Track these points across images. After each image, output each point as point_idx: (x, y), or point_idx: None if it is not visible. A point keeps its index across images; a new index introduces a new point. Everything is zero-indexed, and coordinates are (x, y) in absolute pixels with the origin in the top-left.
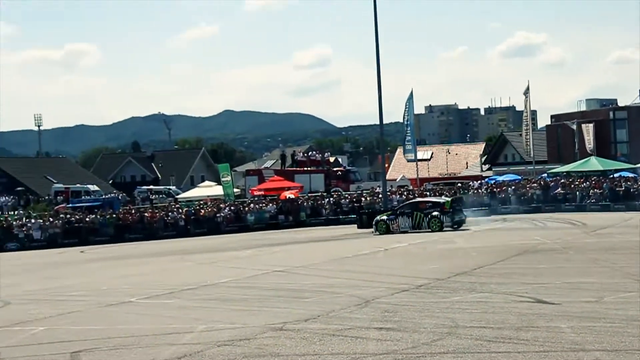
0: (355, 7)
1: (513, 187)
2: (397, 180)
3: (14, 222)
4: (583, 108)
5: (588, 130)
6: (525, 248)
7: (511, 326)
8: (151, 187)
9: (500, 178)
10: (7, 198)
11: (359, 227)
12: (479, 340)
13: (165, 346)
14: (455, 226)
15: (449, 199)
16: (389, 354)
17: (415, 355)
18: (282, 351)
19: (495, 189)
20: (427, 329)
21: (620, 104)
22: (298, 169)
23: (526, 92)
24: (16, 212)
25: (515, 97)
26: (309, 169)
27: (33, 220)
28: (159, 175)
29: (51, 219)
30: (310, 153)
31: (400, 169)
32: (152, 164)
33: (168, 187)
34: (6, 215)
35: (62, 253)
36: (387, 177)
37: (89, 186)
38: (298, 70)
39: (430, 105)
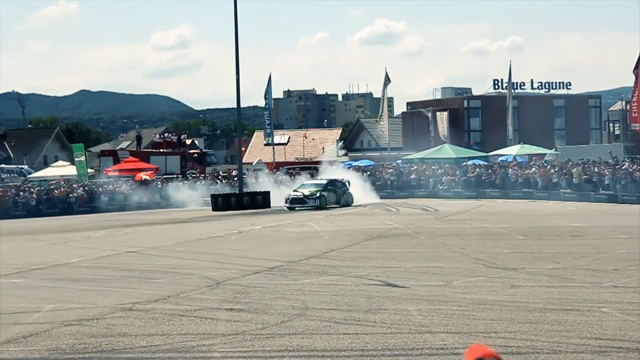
0: None
1: (368, 173)
2: (254, 164)
3: None
4: (439, 96)
5: (443, 118)
6: (377, 233)
7: (360, 308)
8: (2, 165)
9: (356, 163)
10: None
11: (214, 210)
12: (328, 322)
13: (11, 325)
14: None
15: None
16: (238, 334)
17: (264, 336)
18: (130, 331)
19: None
20: (277, 311)
21: (475, 93)
22: (154, 150)
23: (386, 81)
24: None
25: (373, 85)
26: (164, 150)
27: None
28: (11, 154)
29: None
30: (166, 135)
31: (257, 152)
32: (5, 143)
33: (20, 166)
34: None
35: None
36: (244, 160)
37: None
38: (157, 51)
39: (288, 90)
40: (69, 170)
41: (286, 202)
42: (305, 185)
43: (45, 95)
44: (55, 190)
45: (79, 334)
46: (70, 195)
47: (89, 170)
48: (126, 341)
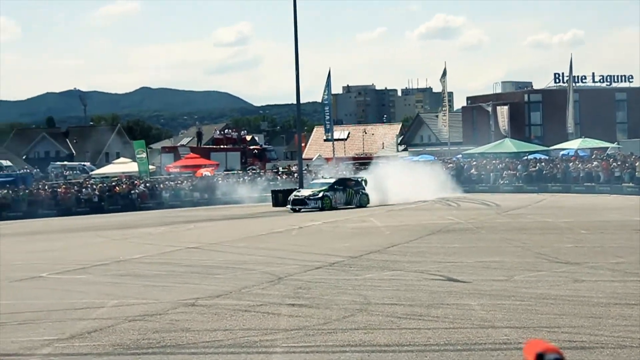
0: None
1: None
2: (314, 160)
3: None
4: (499, 90)
5: (503, 112)
6: (438, 227)
7: (422, 303)
8: (65, 163)
9: (416, 158)
10: None
11: (274, 205)
12: (390, 317)
13: (76, 321)
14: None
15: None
16: (300, 329)
17: (327, 331)
18: (193, 326)
19: None
20: (339, 306)
21: (536, 87)
22: (214, 146)
23: (444, 74)
24: None
25: (433, 79)
26: (225, 147)
27: None
28: (74, 152)
29: None
30: (226, 131)
31: (316, 148)
32: (67, 140)
33: (82, 163)
34: None
35: None
36: (304, 156)
37: (1, 161)
38: (217, 48)
39: (347, 85)
40: (131, 167)
41: (288, 203)
42: (313, 184)
43: (106, 93)
44: (117, 187)
45: (143, 329)
46: (132, 191)
47: (150, 166)
48: (189, 336)
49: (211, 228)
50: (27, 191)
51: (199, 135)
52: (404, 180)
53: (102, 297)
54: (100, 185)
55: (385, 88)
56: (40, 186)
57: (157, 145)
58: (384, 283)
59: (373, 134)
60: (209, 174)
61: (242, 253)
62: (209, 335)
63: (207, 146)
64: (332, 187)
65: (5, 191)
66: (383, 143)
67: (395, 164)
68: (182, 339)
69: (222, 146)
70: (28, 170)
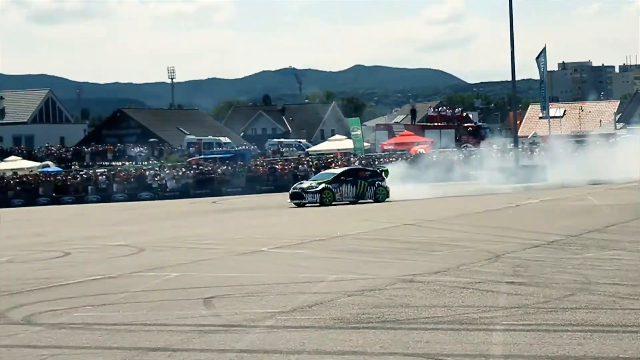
0: None
1: None
2: (529, 137)
3: (148, 173)
4: None
5: None
6: None
7: None
8: (282, 139)
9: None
10: (141, 149)
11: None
12: (613, 297)
13: (297, 294)
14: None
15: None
16: (520, 307)
17: (547, 310)
18: (412, 302)
19: None
20: (559, 284)
21: None
22: (428, 124)
23: None
24: (149, 163)
25: None
26: (439, 124)
27: (167, 171)
28: (290, 129)
29: (184, 170)
30: (440, 108)
31: (531, 126)
32: (283, 117)
33: (298, 140)
34: (139, 166)
35: (194, 203)
36: (519, 134)
37: (220, 138)
38: (430, 25)
39: (563, 62)
40: (346, 144)
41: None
42: (323, 174)
43: (320, 71)
44: (333, 164)
45: (362, 304)
46: None
47: (365, 143)
48: (408, 312)
49: (428, 205)
50: (245, 167)
51: (413, 112)
52: (627, 158)
53: (321, 271)
54: (316, 162)
55: (602, 64)
56: (258, 162)
57: (371, 123)
58: (604, 262)
59: (590, 112)
60: (423, 152)
61: (458, 230)
62: (427, 311)
63: (421, 123)
64: (336, 179)
65: (225, 167)
66: (600, 120)
67: (616, 142)
68: (401, 314)
69: (435, 123)
70: (246, 147)
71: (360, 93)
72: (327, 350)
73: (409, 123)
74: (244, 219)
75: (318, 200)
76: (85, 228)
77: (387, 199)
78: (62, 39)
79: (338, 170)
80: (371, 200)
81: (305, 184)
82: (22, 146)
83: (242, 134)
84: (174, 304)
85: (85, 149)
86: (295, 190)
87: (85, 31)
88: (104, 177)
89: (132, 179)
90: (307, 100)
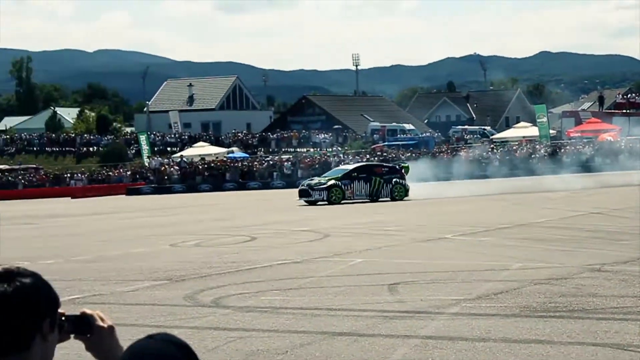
0: None
1: None
2: None
3: (332, 159)
4: None
5: None
6: None
7: None
8: (466, 127)
9: None
10: (325, 135)
11: None
12: None
13: (481, 282)
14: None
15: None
16: None
17: None
18: (600, 292)
19: None
20: None
21: None
22: (616, 111)
23: None
24: (333, 149)
25: None
26: (628, 111)
27: (350, 157)
28: (474, 116)
29: (367, 157)
30: (629, 95)
31: None
32: (467, 104)
33: (483, 127)
34: (323, 152)
35: None
36: None
37: (404, 125)
38: (619, 10)
39: None
40: (531, 131)
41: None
42: (336, 170)
43: (505, 57)
44: (517, 151)
45: (549, 292)
46: (532, 156)
47: (551, 131)
48: (596, 301)
49: (614, 193)
50: (429, 154)
51: (601, 99)
52: None
53: (506, 259)
54: (501, 149)
55: None
56: (442, 149)
57: (557, 110)
58: None
59: None
60: (612, 139)
61: None
62: (616, 301)
63: (609, 110)
64: (347, 175)
65: (409, 154)
66: None
67: None
68: (589, 303)
69: (624, 110)
70: (430, 134)
71: (546, 80)
72: (513, 338)
73: (597, 110)
74: (425, 206)
75: (325, 198)
76: (271, 213)
77: (405, 198)
78: (249, 27)
79: (351, 166)
80: (388, 199)
81: (314, 181)
82: (210, 132)
83: (425, 121)
84: (358, 290)
85: (271, 136)
86: (303, 187)
87: (271, 20)
88: (289, 163)
89: (317, 165)
90: (491, 87)
